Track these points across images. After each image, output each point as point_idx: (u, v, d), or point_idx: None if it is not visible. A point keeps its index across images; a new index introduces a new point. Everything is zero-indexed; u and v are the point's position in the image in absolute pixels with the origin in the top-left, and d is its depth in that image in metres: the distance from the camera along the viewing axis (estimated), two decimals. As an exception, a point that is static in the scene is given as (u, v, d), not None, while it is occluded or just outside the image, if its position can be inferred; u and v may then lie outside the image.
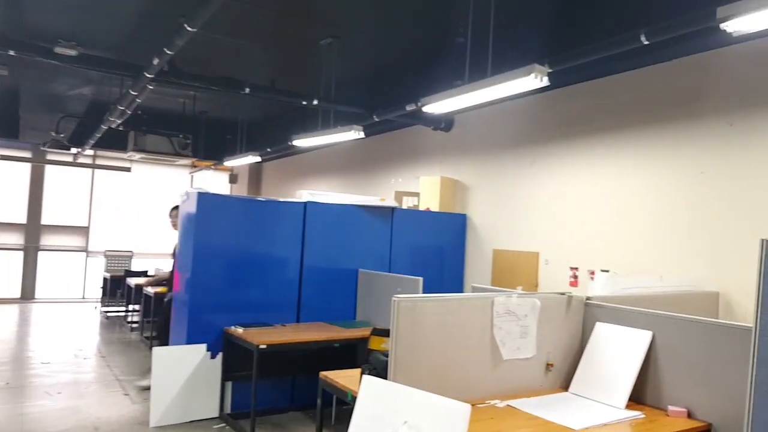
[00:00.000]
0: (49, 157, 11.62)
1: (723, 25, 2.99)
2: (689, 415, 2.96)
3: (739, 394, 2.71)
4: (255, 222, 5.38)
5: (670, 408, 3.00)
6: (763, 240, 1.71)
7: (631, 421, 2.88)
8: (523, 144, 6.42)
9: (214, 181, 13.41)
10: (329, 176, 10.52)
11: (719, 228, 4.54)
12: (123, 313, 10.16)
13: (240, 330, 4.89)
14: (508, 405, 3.01)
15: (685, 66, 4.86)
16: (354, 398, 2.95)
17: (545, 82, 3.86)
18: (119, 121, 7.99)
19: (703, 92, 4.73)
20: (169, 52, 4.85)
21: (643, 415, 2.96)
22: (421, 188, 7.35)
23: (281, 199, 5.62)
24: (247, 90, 6.10)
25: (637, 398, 3.16)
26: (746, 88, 4.43)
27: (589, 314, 3.53)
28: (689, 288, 4.45)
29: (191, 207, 5.23)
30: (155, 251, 12.20)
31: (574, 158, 5.81)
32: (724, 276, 4.46)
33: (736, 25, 2.97)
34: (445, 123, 7.41)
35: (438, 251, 6.81)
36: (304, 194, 5.74)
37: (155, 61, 5.14)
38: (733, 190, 4.47)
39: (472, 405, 2.34)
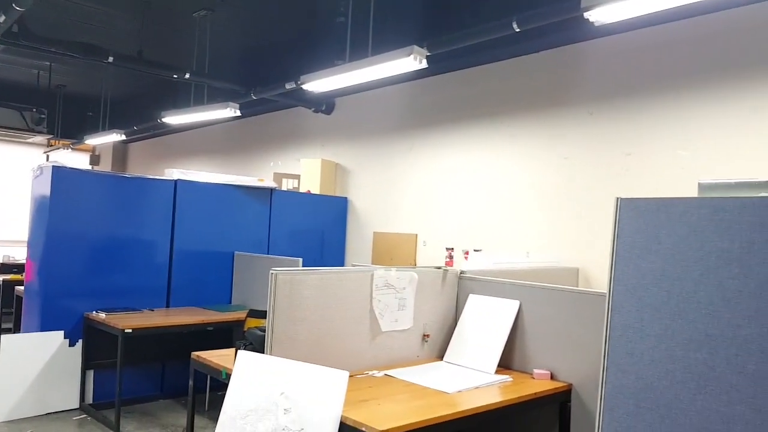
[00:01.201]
0: None
1: (586, 14, 3.21)
2: (552, 377, 3.17)
3: (596, 356, 2.94)
4: (119, 201, 4.99)
5: (535, 371, 3.20)
6: (617, 198, 1.86)
7: (500, 384, 3.03)
8: (402, 129, 6.54)
9: (73, 162, 12.31)
10: (204, 158, 10.06)
11: (579, 210, 4.90)
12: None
13: (102, 315, 4.53)
14: (386, 374, 3.04)
15: (551, 58, 5.18)
16: (228, 375, 2.84)
17: (424, 64, 3.95)
18: (-42, 89, 7.09)
19: (567, 83, 5.08)
20: (18, 8, 4.35)
21: (511, 379, 3.12)
22: (301, 171, 7.25)
23: (149, 176, 5.27)
24: (111, 59, 5.64)
25: (505, 364, 3.33)
26: (604, 80, 4.82)
27: (463, 287, 3.66)
28: (553, 264, 4.78)
29: (45, 183, 4.74)
30: (3, 237, 10.99)
31: (449, 143, 6.01)
32: (583, 253, 4.83)
33: (597, 15, 3.20)
34: (326, 105, 7.35)
35: (318, 234, 6.76)
36: (175, 172, 5.41)
37: (1, 19, 4.59)
38: (592, 175, 4.85)
39: (351, 376, 2.34)
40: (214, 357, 3.23)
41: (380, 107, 6.82)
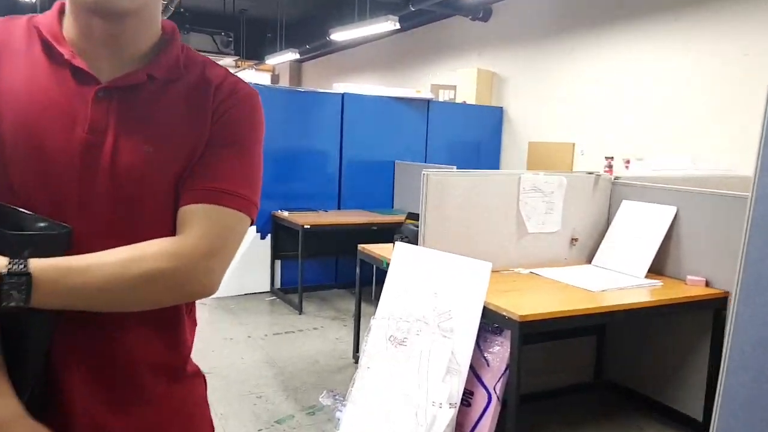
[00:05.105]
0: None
1: None
2: (707, 285, 3.06)
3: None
4: (296, 114, 5.55)
5: (689, 278, 3.10)
6: None
7: (649, 287, 3.04)
8: (562, 32, 6.26)
9: (258, 81, 13.49)
10: (367, 73, 10.50)
11: (759, 113, 4.45)
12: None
13: (285, 213, 5.27)
14: (531, 272, 3.23)
15: (738, -60, 4.60)
16: (388, 264, 3.23)
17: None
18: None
19: (755, -32, 4.50)
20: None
21: (661, 284, 3.10)
22: (457, 81, 7.32)
23: (319, 90, 5.76)
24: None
25: (657, 270, 3.28)
26: (801, -38, 4.21)
27: (616, 193, 3.63)
28: (723, 172, 4.46)
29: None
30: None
31: (613, 44, 5.67)
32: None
33: None
34: (483, 12, 7.24)
35: (474, 144, 6.89)
36: (341, 86, 5.84)
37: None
38: (778, 72, 4.35)
39: (497, 272, 2.54)
40: (376, 249, 3.66)
41: (539, 10, 6.56)
